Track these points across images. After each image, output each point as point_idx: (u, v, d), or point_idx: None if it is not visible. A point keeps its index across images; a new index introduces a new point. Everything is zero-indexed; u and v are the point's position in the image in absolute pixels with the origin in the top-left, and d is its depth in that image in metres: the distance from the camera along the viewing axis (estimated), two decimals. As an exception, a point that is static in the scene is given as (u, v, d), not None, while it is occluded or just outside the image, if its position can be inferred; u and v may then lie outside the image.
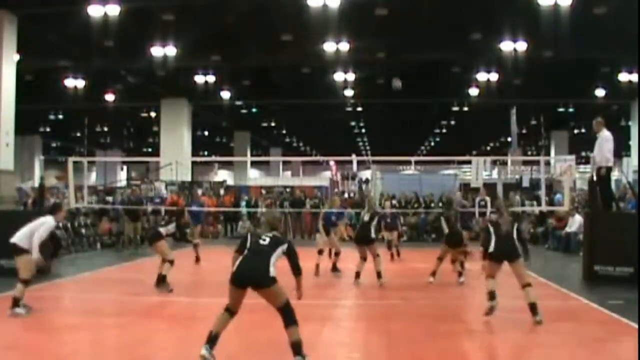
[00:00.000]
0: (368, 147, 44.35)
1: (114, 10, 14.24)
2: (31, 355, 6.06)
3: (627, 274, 10.05)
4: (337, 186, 30.10)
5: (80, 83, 21.82)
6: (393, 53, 18.51)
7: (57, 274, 11.06)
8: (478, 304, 7.84)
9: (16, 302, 7.40)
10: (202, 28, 16.21)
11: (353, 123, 33.68)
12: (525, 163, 31.97)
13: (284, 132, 38.40)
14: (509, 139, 25.97)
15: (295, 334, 5.34)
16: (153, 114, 29.16)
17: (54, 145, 42.52)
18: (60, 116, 31.04)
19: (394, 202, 18.52)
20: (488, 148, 42.23)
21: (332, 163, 33.88)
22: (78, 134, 37.32)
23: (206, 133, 37.69)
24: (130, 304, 8.63)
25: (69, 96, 22.59)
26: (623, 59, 19.01)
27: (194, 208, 15.61)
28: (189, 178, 25.31)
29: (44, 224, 7.70)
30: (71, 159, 13.55)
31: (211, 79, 21.68)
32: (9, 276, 10.15)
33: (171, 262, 9.63)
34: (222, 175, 46.77)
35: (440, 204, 16.95)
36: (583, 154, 30.52)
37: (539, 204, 17.22)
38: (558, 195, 18.48)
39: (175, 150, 24.56)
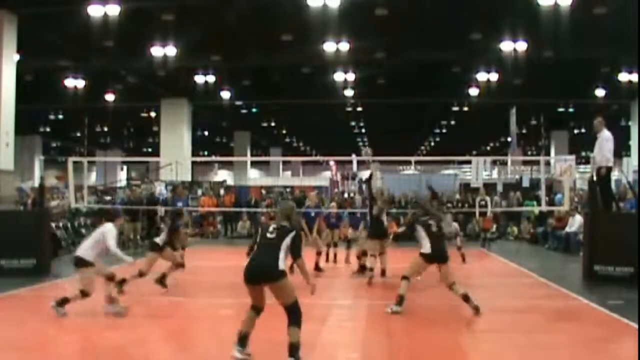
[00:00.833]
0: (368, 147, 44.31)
1: (113, 10, 14.26)
2: (31, 356, 6.06)
3: (627, 274, 10.04)
4: (337, 186, 30.12)
5: (80, 83, 21.82)
6: (393, 53, 18.54)
7: (57, 274, 11.04)
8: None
9: (112, 300, 7.63)
10: (202, 28, 16.20)
11: (353, 123, 33.68)
12: (525, 163, 32.06)
13: (284, 132, 38.42)
14: (509, 139, 25.97)
15: (296, 335, 5.33)
16: (153, 114, 29.18)
17: (54, 145, 42.52)
18: (60, 116, 31.03)
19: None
20: (488, 148, 42.24)
21: (332, 163, 33.93)
22: (78, 134, 37.34)
23: (206, 133, 37.73)
24: (129, 304, 8.61)
25: (69, 96, 22.60)
26: (623, 59, 19.02)
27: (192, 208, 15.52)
28: (189, 178, 25.33)
29: (108, 232, 7.69)
30: (71, 159, 13.52)
31: (211, 79, 21.67)
32: (9, 276, 10.22)
33: (182, 266, 9.82)
34: (222, 175, 46.78)
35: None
36: (583, 154, 30.53)
37: (539, 204, 17.19)
38: (559, 195, 18.47)
39: (175, 150, 24.60)
